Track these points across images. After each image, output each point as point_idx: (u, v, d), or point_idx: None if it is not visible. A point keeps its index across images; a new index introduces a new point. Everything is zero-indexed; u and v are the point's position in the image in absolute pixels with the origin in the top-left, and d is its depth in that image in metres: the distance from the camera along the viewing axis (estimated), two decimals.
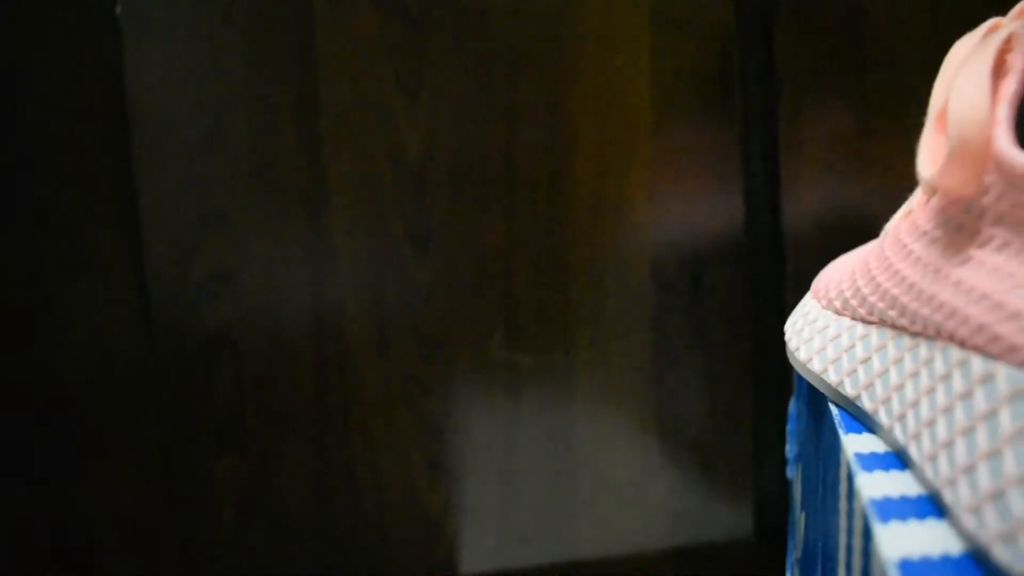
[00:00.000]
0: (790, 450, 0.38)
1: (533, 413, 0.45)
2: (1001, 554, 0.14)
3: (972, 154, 0.18)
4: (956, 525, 0.16)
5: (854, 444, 0.21)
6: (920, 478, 0.18)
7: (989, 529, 0.14)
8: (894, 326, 0.21)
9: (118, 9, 0.43)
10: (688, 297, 0.44)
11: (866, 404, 0.22)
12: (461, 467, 0.45)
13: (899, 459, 0.20)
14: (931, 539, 0.16)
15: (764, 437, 0.45)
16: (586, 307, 0.44)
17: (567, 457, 0.45)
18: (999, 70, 0.20)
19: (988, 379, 0.16)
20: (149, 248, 0.45)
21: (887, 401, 0.20)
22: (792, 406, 0.37)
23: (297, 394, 0.45)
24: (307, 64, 0.44)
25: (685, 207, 0.43)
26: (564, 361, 0.44)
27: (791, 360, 0.27)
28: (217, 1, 0.43)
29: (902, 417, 0.19)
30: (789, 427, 0.38)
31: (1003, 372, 0.15)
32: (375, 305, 0.44)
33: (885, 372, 0.21)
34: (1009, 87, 0.18)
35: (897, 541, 0.16)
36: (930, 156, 0.19)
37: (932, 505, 0.17)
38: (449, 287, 0.44)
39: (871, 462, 0.20)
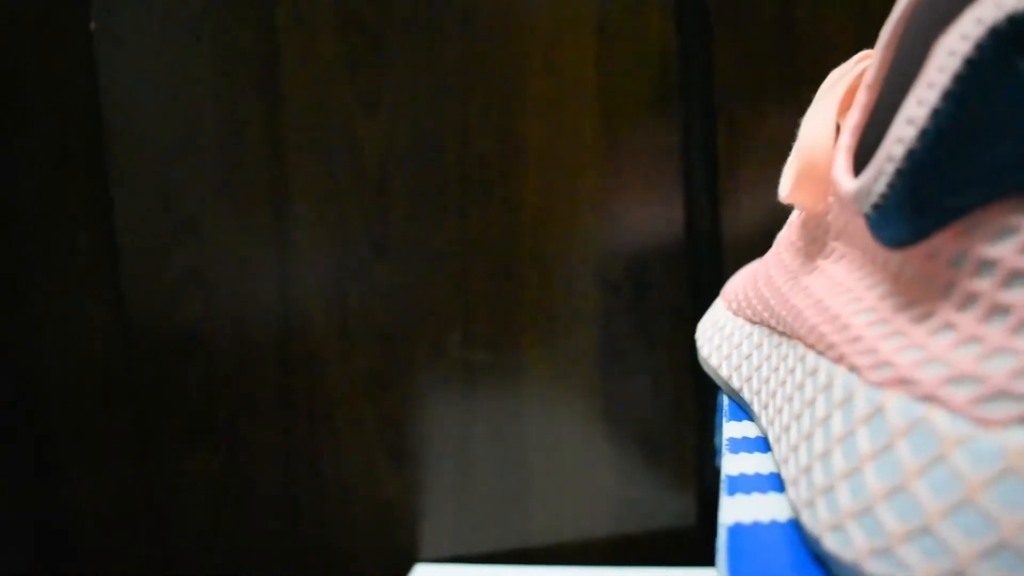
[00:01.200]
0: (718, 440, 0.40)
1: (487, 406, 0.47)
2: (805, 519, 0.16)
3: (816, 177, 0.20)
4: (786, 496, 0.18)
5: (731, 430, 0.23)
6: (773, 458, 0.21)
7: (801, 498, 0.17)
8: (768, 326, 0.24)
9: (92, 25, 0.46)
10: (632, 298, 0.46)
11: (746, 395, 0.24)
12: (419, 458, 0.48)
13: (766, 443, 0.22)
14: (766, 508, 0.18)
15: (706, 430, 0.48)
16: (536, 307, 0.46)
17: (519, 448, 0.47)
18: (851, 101, 0.22)
19: (814, 372, 0.18)
20: (124, 251, 0.47)
21: (759, 392, 0.23)
22: (720, 399, 0.40)
23: (264, 389, 0.48)
24: (272, 78, 0.46)
25: (629, 213, 0.46)
26: (516, 357, 0.47)
27: (699, 357, 0.30)
28: (187, 18, 0.46)
29: (767, 406, 0.22)
30: (718, 419, 0.41)
31: (823, 365, 0.18)
32: (337, 304, 0.47)
33: (760, 367, 0.24)
34: (852, 118, 0.21)
35: (734, 509, 0.18)
36: (789, 176, 0.22)
37: (778, 481, 0.20)
38: (407, 288, 0.47)
39: (740, 445, 0.22)
